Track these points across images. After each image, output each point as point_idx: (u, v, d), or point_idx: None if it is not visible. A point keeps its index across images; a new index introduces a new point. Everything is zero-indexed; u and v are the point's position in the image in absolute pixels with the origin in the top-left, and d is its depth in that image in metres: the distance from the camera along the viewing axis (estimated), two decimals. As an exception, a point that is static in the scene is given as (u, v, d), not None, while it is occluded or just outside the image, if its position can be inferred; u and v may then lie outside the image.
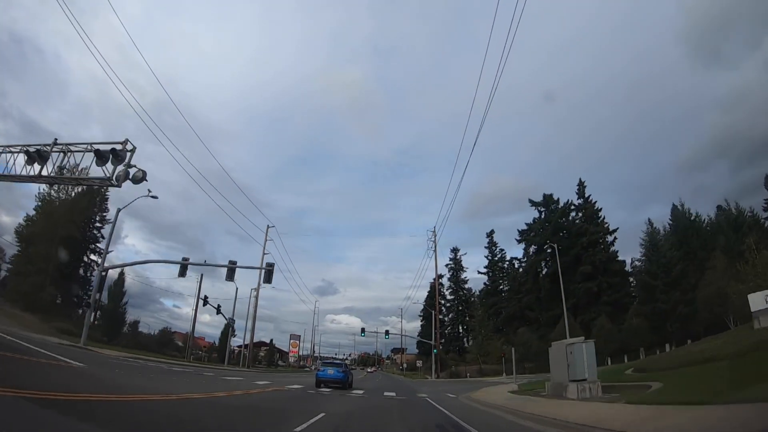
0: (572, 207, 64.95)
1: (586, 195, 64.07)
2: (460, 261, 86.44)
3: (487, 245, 78.00)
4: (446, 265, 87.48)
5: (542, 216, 67.91)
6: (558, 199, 66.78)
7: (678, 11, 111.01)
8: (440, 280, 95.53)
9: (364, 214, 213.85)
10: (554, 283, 46.38)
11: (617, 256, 60.51)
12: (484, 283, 77.07)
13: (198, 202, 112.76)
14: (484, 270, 77.12)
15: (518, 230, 71.86)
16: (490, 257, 76.90)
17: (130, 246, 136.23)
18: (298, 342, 72.18)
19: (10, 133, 73.25)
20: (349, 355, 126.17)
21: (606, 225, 61.86)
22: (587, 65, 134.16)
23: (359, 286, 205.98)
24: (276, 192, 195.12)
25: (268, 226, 53.75)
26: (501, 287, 74.72)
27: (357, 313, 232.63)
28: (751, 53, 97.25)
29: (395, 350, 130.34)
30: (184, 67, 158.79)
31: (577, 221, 63.81)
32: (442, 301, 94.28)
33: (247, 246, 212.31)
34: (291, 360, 77.03)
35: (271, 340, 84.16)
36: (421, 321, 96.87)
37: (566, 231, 63.11)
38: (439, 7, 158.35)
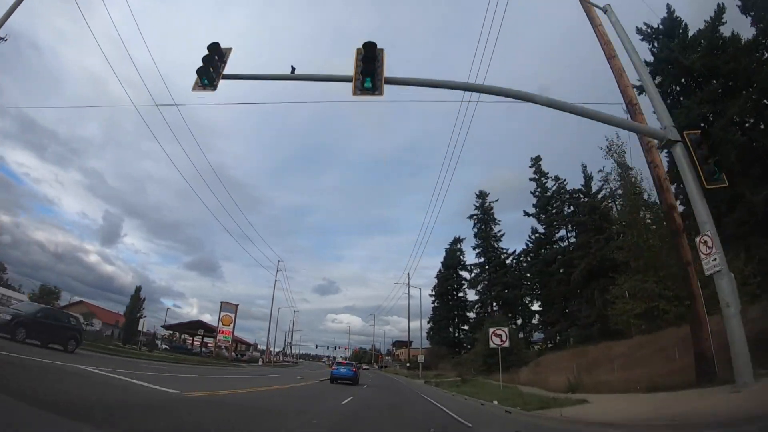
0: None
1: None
2: (491, 209, 61.43)
3: (533, 175, 52.80)
4: (472, 216, 62.35)
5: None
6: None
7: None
8: (459, 245, 70.62)
9: (365, 212, 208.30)
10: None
11: None
12: (533, 234, 51.70)
13: (196, 201, 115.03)
14: (533, 209, 51.61)
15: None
16: (539, 192, 51.65)
17: (129, 245, 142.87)
18: (232, 316, 45.69)
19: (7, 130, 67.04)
20: (345, 349, 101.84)
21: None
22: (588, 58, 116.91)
23: (360, 285, 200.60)
24: (276, 189, 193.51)
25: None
26: (560, 234, 49.29)
27: (358, 312, 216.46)
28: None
29: (398, 343, 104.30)
30: (182, 63, 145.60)
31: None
32: (462, 273, 69.07)
33: (247, 245, 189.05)
34: (220, 343, 47.20)
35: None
36: (434, 302, 71.27)
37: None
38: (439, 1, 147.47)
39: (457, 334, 65.77)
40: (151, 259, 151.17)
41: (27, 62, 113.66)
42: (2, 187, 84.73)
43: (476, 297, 61.07)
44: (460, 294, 68.43)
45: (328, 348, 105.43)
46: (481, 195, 62.38)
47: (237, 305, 47.98)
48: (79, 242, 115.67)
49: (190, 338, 58.25)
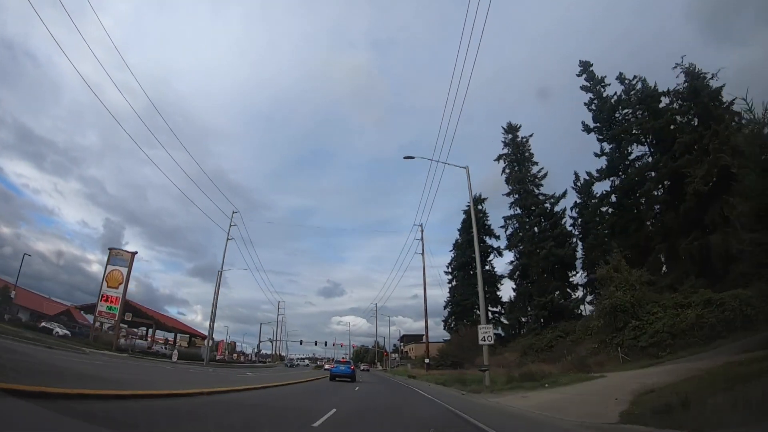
0: None
1: None
2: (525, 145, 45.76)
3: (585, 82, 37.37)
4: (500, 156, 46.61)
5: None
6: None
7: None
8: (481, 205, 54.71)
9: (367, 213, 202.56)
10: None
11: None
12: (600, 155, 35.87)
13: (198, 206, 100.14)
14: (592, 124, 35.92)
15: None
16: (596, 102, 36.26)
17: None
18: (124, 273, 28.88)
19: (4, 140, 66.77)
20: (342, 346, 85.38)
21: None
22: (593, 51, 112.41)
23: (364, 286, 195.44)
24: (277, 192, 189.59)
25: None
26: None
27: (362, 314, 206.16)
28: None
29: (407, 338, 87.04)
30: (179, 67, 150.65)
31: None
32: (486, 239, 53.16)
33: (248, 248, 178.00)
34: (101, 317, 30.84)
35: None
36: (451, 281, 55.16)
37: None
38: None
39: (486, 318, 49.65)
40: (154, 267, 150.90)
41: (23, 71, 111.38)
42: (2, 199, 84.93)
43: (513, 262, 45.26)
44: (485, 268, 52.48)
45: (326, 344, 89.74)
46: (511, 129, 46.77)
47: (134, 253, 31.46)
48: (81, 252, 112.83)
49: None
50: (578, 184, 44.08)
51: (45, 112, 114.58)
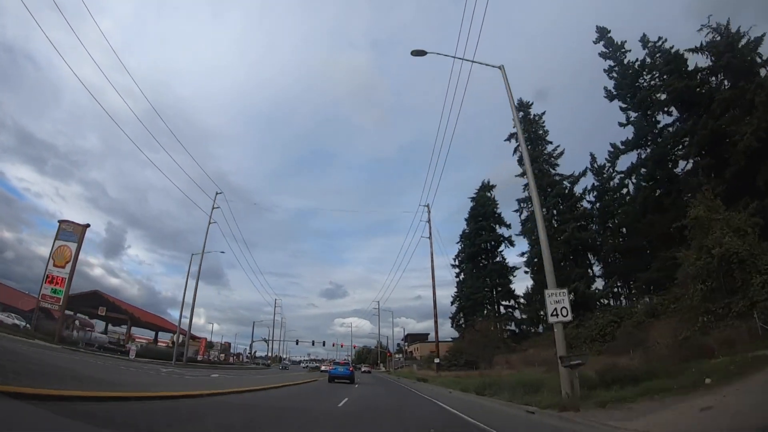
0: None
1: None
2: (539, 121, 42.05)
3: (604, 49, 33.72)
4: (512, 135, 42.87)
5: None
6: None
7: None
8: (490, 192, 50.90)
9: (368, 214, 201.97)
10: None
11: None
12: (625, 124, 31.96)
13: (198, 208, 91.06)
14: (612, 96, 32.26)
15: None
16: (616, 69, 32.61)
17: (133, 256, 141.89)
18: (72, 249, 24.74)
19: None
20: (342, 346, 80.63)
21: None
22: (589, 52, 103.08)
23: (366, 287, 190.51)
24: (278, 193, 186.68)
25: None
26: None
27: (365, 315, 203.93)
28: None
29: (411, 337, 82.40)
30: (178, 68, 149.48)
31: None
32: (497, 228, 49.34)
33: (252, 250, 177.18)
34: (46, 301, 26.01)
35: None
36: (458, 275, 51.13)
37: None
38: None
39: (499, 313, 45.70)
40: (156, 270, 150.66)
41: (23, 74, 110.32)
42: (3, 203, 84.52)
43: (526, 253, 41.33)
44: (496, 259, 48.60)
45: (324, 344, 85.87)
46: (522, 106, 43.09)
47: (86, 225, 27.50)
48: (83, 256, 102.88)
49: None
50: (595, 165, 40.56)
51: (45, 115, 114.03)
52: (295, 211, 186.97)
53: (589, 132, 77.21)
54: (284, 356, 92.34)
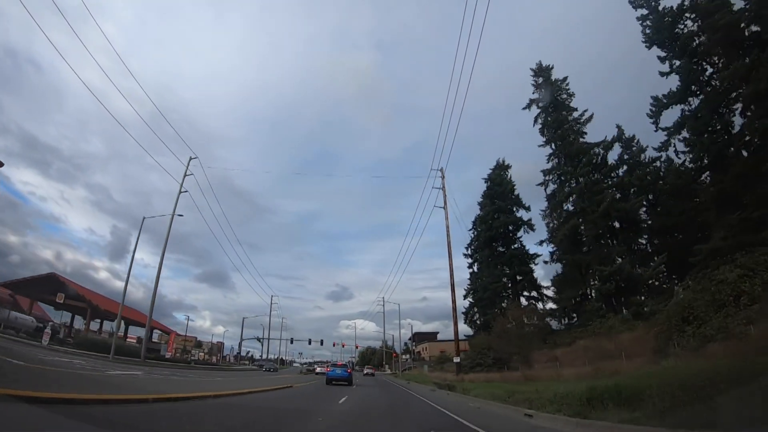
0: None
1: None
2: (562, 85, 37.36)
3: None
4: (531, 102, 38.30)
5: None
6: None
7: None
8: (506, 172, 46.14)
9: (373, 215, 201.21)
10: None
11: None
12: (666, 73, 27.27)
13: (203, 212, 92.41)
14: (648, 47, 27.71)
15: None
16: (650, 17, 28.04)
17: (138, 260, 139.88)
18: None
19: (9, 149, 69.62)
20: (343, 346, 75.02)
21: None
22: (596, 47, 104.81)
23: (372, 289, 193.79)
24: (282, 196, 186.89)
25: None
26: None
27: (371, 317, 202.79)
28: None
29: (419, 336, 76.51)
30: (182, 72, 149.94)
31: None
32: (514, 210, 44.49)
33: (254, 253, 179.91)
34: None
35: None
36: (471, 265, 46.12)
37: None
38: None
39: (520, 305, 40.45)
40: (162, 273, 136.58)
41: (27, 78, 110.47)
42: (8, 207, 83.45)
43: (551, 236, 36.23)
44: (514, 246, 43.50)
45: (322, 343, 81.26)
46: (541, 71, 38.51)
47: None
48: (88, 259, 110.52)
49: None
50: (624, 137, 35.87)
51: (49, 119, 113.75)
52: (300, 214, 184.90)
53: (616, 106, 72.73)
54: (285, 359, 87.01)
